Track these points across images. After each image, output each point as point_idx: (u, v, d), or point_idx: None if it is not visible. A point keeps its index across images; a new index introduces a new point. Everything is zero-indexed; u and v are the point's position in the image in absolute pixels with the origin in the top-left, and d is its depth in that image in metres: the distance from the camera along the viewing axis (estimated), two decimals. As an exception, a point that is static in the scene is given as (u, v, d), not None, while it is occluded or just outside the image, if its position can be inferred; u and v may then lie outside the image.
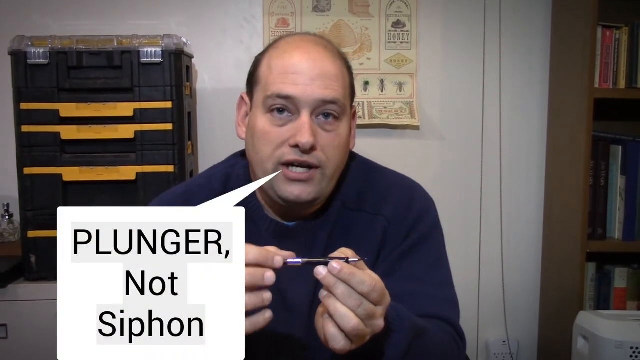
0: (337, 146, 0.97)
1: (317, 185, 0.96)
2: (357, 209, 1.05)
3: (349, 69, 1.03)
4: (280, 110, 0.95)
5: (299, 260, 0.78)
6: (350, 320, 0.74)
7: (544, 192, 2.23)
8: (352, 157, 1.12)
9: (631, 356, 1.67)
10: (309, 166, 0.95)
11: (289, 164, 0.95)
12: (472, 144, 2.21)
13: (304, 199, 0.96)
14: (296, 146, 0.94)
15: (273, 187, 0.97)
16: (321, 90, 0.94)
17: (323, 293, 0.76)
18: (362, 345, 0.78)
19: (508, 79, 2.19)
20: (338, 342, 0.76)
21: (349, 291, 0.74)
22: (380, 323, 0.78)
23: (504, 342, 2.25)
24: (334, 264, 0.75)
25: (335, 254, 0.78)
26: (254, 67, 1.03)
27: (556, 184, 2.13)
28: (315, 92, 0.94)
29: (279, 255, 0.77)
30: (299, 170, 0.95)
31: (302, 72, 0.95)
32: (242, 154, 1.11)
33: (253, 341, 0.93)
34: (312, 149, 0.94)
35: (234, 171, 1.08)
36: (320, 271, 0.75)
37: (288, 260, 0.77)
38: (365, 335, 0.77)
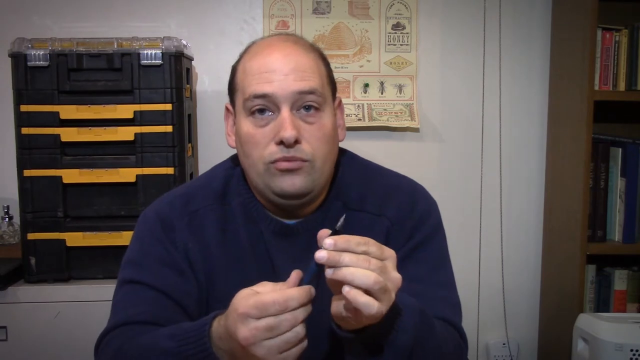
0: (322, 137, 0.97)
1: (308, 175, 0.96)
2: (360, 209, 1.05)
3: (324, 59, 1.04)
4: (261, 111, 0.96)
5: (314, 267, 0.78)
6: (370, 275, 0.73)
7: (543, 194, 2.22)
8: (352, 158, 1.12)
9: (631, 358, 1.67)
10: (296, 160, 0.95)
11: (277, 162, 0.95)
12: (472, 146, 2.21)
13: (299, 187, 0.96)
14: (281, 143, 0.94)
15: (269, 185, 0.97)
16: (297, 83, 0.95)
17: (329, 272, 0.75)
18: (380, 322, 0.77)
19: (508, 81, 2.19)
20: (372, 307, 0.73)
21: (355, 255, 0.74)
22: (396, 276, 0.77)
23: (504, 344, 2.25)
24: (327, 240, 0.74)
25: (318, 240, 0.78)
26: (231, 76, 1.04)
27: (556, 186, 2.13)
28: (290, 85, 0.95)
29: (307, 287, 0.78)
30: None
31: (275, 69, 0.96)
32: None
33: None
34: (297, 142, 0.94)
35: (235, 172, 1.08)
36: (322, 254, 0.74)
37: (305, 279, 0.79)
38: (388, 290, 0.75)
